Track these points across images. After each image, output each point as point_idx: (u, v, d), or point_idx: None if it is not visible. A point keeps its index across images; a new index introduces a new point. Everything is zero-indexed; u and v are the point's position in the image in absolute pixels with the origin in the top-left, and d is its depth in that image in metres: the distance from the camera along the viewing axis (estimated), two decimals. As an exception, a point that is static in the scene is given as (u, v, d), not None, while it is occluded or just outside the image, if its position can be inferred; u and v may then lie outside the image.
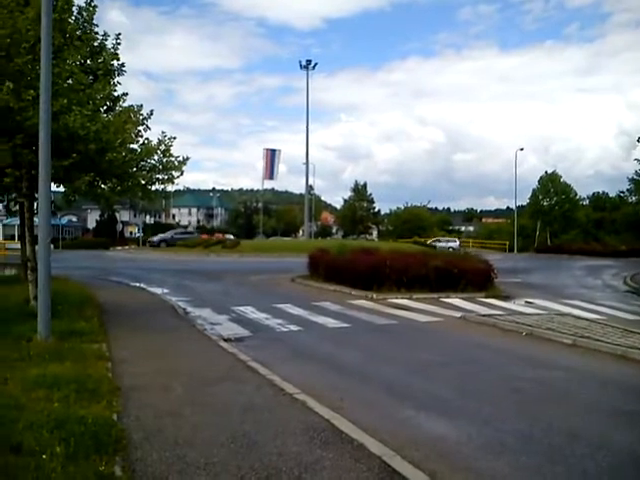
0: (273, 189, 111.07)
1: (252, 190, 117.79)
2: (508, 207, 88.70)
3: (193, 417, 5.87)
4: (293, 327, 12.24)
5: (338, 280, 19.29)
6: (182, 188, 76.36)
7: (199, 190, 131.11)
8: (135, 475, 4.42)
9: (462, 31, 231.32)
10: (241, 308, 14.63)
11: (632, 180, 50.60)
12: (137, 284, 20.64)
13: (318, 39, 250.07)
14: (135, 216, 79.50)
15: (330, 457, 4.85)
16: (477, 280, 18.65)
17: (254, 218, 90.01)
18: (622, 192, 68.45)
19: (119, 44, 13.27)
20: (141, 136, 13.19)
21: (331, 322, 12.87)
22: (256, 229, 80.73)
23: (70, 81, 11.53)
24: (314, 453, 4.93)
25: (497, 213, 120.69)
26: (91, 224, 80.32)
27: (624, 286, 25.02)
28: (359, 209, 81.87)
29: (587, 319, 13.57)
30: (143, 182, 13.53)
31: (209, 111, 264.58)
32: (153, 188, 14.01)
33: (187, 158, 13.62)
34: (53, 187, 11.60)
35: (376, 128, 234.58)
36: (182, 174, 13.68)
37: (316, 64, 60.73)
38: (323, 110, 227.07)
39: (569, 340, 10.88)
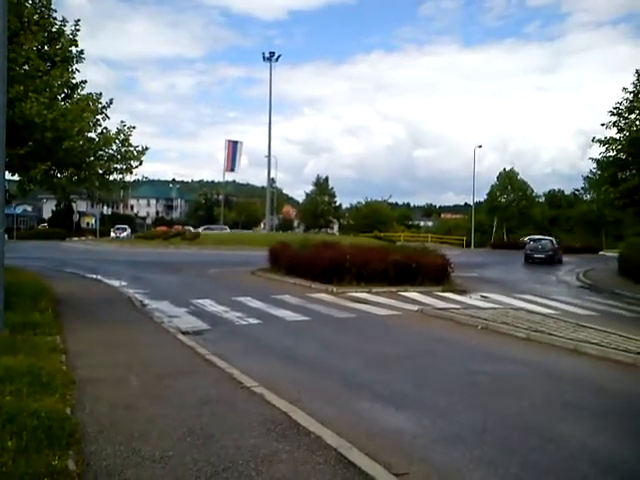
0: (234, 181, 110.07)
1: (213, 182, 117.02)
2: (466, 203, 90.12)
3: (149, 410, 5.82)
4: (252, 320, 12.22)
5: (298, 273, 19.33)
6: (141, 178, 75.06)
7: (159, 181, 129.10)
8: (89, 469, 4.37)
9: (424, 26, 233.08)
10: (200, 301, 14.53)
11: (587, 179, 51.98)
12: (94, 276, 20.29)
13: (282, 30, 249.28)
14: (92, 206, 78.03)
15: (287, 449, 4.87)
16: (434, 274, 18.93)
17: (215, 210, 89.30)
18: (577, 190, 70.29)
19: (78, 30, 12.99)
20: (99, 125, 13.00)
21: (290, 315, 12.90)
22: (217, 221, 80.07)
23: (26, 67, 11.25)
24: (271, 446, 4.95)
25: (456, 209, 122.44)
26: (47, 214, 78.64)
27: (577, 282, 25.70)
28: (321, 203, 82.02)
29: (541, 314, 13.91)
30: (101, 172, 13.31)
31: (170, 101, 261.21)
32: (111, 178, 13.77)
33: (146, 148, 13.46)
34: (8, 176, 11.31)
35: (339, 122, 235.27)
36: (141, 164, 13.54)
37: (279, 56, 60.23)
38: (286, 102, 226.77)
39: (523, 334, 11.14)
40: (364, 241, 36.32)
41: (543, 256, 35.31)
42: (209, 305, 14.05)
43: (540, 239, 38.27)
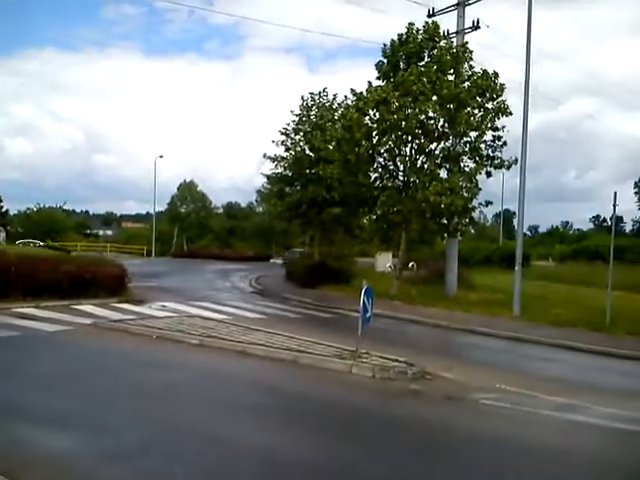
0: None
1: None
2: (148, 212, 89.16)
3: None
4: None
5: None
6: None
7: None
8: None
9: (107, 29, 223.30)
10: None
11: (259, 192, 56.13)
12: None
13: None
14: None
15: None
16: (110, 285, 18.32)
17: None
18: (252, 203, 75.45)
19: None
20: None
21: None
22: None
23: None
24: None
25: (138, 218, 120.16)
26: None
27: (250, 288, 27.47)
28: (-18, 208, 73.07)
29: (215, 319, 14.49)
30: None
31: None
32: None
33: None
34: None
35: (4, 120, 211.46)
36: None
37: None
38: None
39: (196, 340, 11.47)
40: (35, 250, 33.37)
41: None
42: None
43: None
